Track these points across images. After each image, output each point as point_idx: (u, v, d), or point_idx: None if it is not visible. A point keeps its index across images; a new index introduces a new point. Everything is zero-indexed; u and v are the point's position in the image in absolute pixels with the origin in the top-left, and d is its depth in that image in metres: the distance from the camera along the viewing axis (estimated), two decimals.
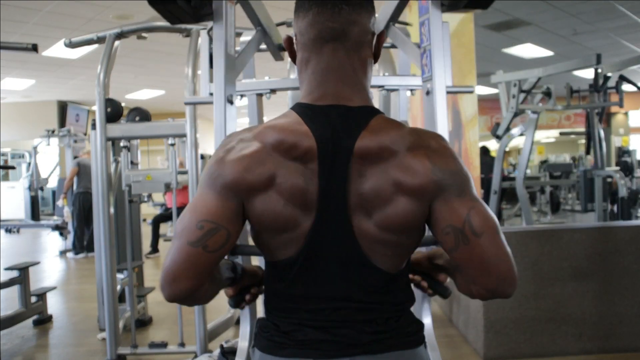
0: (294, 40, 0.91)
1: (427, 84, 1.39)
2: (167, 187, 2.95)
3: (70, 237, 6.88)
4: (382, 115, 0.88)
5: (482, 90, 6.03)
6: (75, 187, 6.70)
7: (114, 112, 2.91)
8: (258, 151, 0.84)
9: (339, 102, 0.86)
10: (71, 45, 3.24)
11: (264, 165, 0.83)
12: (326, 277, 0.87)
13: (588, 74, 4.66)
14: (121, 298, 3.46)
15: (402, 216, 0.84)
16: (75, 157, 7.03)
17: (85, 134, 8.77)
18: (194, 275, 0.82)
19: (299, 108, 0.88)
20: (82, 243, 6.71)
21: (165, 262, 0.83)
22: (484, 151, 5.51)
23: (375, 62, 0.93)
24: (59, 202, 6.90)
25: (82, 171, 6.58)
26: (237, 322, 3.33)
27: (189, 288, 0.82)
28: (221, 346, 2.02)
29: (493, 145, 5.47)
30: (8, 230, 9.52)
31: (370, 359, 0.85)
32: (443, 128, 1.35)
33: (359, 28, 0.86)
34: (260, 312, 1.32)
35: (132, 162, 3.33)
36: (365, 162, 0.84)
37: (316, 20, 0.85)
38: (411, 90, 1.92)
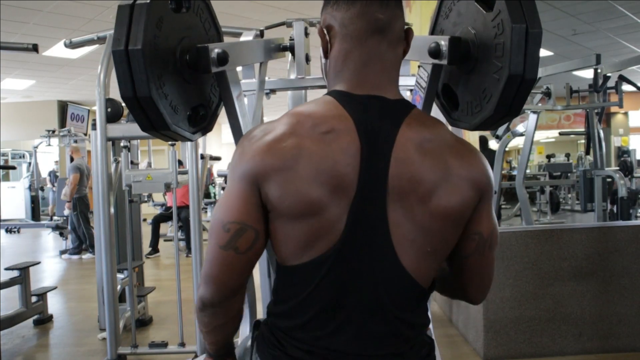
0: (327, 33, 0.88)
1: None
2: (167, 187, 2.95)
3: (71, 238, 6.85)
4: (419, 110, 0.88)
5: None
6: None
7: (114, 112, 2.91)
8: (282, 131, 0.79)
9: (378, 92, 0.85)
10: (71, 45, 3.24)
11: (287, 141, 0.78)
12: (351, 286, 0.81)
13: (588, 74, 4.67)
14: (121, 298, 3.46)
15: (454, 203, 0.80)
16: (71, 160, 6.95)
17: (85, 134, 8.77)
18: (229, 277, 0.82)
19: (335, 93, 0.85)
20: (82, 245, 6.71)
21: (204, 266, 0.83)
22: (483, 143, 5.40)
23: (403, 58, 0.92)
24: (65, 211, 6.88)
25: (81, 175, 6.60)
26: None
27: (226, 290, 0.82)
28: None
29: (493, 145, 5.47)
30: (8, 230, 9.52)
31: None
32: None
33: (401, 22, 0.87)
34: (260, 312, 1.33)
35: (132, 162, 3.34)
36: (412, 147, 0.80)
37: (365, 11, 0.83)
38: (411, 90, 1.93)
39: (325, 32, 0.88)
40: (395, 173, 0.79)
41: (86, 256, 6.72)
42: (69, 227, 6.91)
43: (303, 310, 0.82)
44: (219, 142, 14.15)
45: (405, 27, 0.89)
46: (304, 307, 0.82)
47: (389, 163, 0.79)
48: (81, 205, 6.62)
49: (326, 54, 0.89)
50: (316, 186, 0.76)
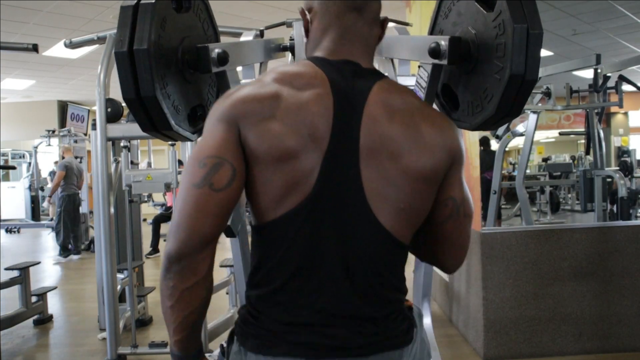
0: (308, 13, 0.93)
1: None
2: (167, 187, 2.95)
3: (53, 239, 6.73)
4: (390, 79, 0.91)
5: None
6: (60, 189, 6.57)
7: (114, 112, 2.91)
8: (261, 82, 0.83)
9: (352, 59, 0.88)
10: (71, 45, 3.24)
11: (266, 88, 0.81)
12: (328, 241, 0.81)
13: (588, 74, 4.67)
14: (121, 298, 3.46)
15: (424, 163, 0.82)
16: (63, 158, 6.89)
17: (85, 134, 8.77)
18: (202, 221, 0.76)
19: (312, 58, 0.90)
20: (68, 246, 6.59)
21: (173, 216, 0.79)
22: (485, 143, 5.37)
23: (377, 44, 0.96)
24: (45, 204, 6.81)
25: (69, 173, 6.52)
26: None
27: (197, 237, 0.76)
28: (221, 346, 2.02)
29: (493, 145, 5.46)
30: (8, 230, 9.52)
31: None
32: None
33: (377, 5, 0.92)
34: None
35: (132, 162, 3.33)
36: (383, 107, 0.83)
37: None
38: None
39: (306, 12, 0.93)
40: (366, 130, 0.81)
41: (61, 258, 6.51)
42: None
43: (281, 271, 0.81)
44: None
45: (382, 17, 0.94)
46: (282, 266, 0.81)
47: (360, 119, 0.81)
48: (67, 203, 6.52)
49: (307, 33, 0.94)
50: (292, 133, 0.78)
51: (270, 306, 0.82)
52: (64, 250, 6.54)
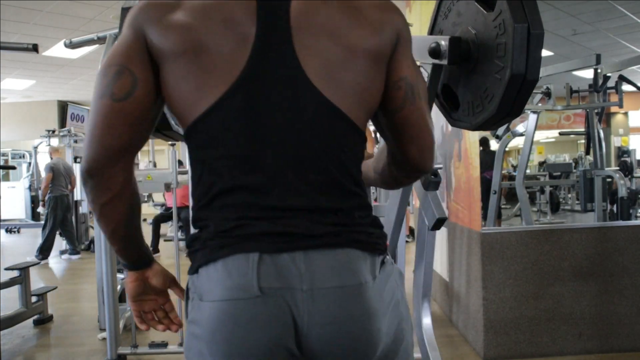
0: None
1: None
2: (167, 187, 2.95)
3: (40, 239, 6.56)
4: None
5: None
6: (48, 191, 6.49)
7: None
8: None
9: None
10: (71, 45, 3.24)
11: None
12: (270, 130, 0.73)
13: (588, 74, 4.66)
14: (121, 298, 3.46)
15: (366, 38, 0.76)
16: (51, 158, 6.78)
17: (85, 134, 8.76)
18: (106, 133, 0.73)
19: None
20: (50, 249, 6.48)
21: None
22: (484, 143, 5.34)
23: None
24: (40, 209, 6.76)
25: (56, 174, 6.45)
26: None
27: (103, 151, 0.73)
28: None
29: (493, 145, 5.46)
30: (8, 230, 9.52)
31: (326, 255, 0.73)
32: (438, 127, 1.35)
33: None
34: None
35: None
36: None
37: None
38: None
39: None
40: (297, 10, 0.75)
41: (31, 258, 6.21)
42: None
43: (220, 174, 0.74)
44: None
45: None
46: (224, 164, 0.74)
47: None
48: (55, 205, 6.43)
49: None
50: (201, 19, 0.72)
51: (215, 211, 0.74)
52: (41, 252, 6.37)
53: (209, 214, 0.75)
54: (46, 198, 6.47)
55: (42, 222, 6.68)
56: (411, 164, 0.87)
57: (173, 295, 0.94)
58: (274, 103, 0.73)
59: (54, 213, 6.41)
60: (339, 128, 0.75)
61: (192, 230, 0.79)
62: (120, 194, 0.77)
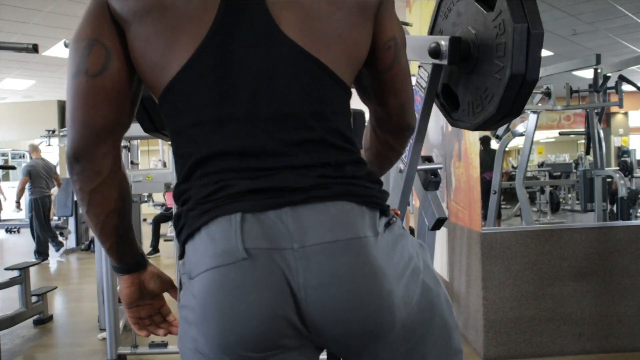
0: None
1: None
2: (167, 187, 2.95)
3: (50, 238, 6.59)
4: None
5: None
6: (28, 192, 6.45)
7: None
8: None
9: None
10: None
11: None
12: (246, 86, 0.67)
13: (588, 74, 4.67)
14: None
15: None
16: (30, 158, 6.72)
17: None
18: (87, 113, 0.69)
19: None
20: (46, 249, 6.49)
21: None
22: (485, 143, 5.33)
23: None
24: (14, 210, 6.73)
25: (34, 176, 6.37)
26: None
27: (86, 132, 0.69)
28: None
29: (493, 145, 5.46)
30: (8, 230, 9.52)
31: (316, 209, 0.65)
32: (438, 127, 1.36)
33: None
34: None
35: (132, 162, 3.33)
36: None
37: None
38: None
39: None
40: None
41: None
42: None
43: (199, 139, 0.68)
44: None
45: None
46: (199, 131, 0.68)
47: None
48: (37, 206, 6.39)
49: None
50: None
51: (195, 181, 0.69)
52: (38, 254, 6.37)
53: (189, 186, 0.70)
54: (28, 200, 6.42)
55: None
56: (394, 119, 0.86)
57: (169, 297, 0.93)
58: (245, 59, 0.67)
59: (37, 214, 6.37)
60: (320, 81, 0.69)
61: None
62: (110, 178, 0.73)
